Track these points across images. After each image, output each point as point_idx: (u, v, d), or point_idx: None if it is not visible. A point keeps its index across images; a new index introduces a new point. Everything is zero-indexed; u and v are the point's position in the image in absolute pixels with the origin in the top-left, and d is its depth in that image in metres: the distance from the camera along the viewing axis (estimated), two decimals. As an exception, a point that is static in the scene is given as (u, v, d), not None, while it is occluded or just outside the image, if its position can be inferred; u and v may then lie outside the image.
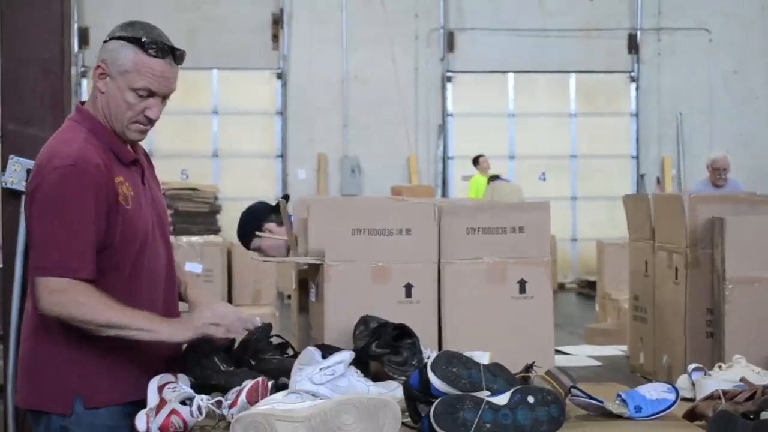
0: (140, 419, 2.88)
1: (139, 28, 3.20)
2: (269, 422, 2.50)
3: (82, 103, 3.31)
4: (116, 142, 3.20)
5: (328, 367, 2.91)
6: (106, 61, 3.16)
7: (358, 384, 2.94)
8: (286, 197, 4.47)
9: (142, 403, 3.09)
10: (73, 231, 3.04)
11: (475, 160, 16.59)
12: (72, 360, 3.14)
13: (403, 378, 2.92)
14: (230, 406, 2.78)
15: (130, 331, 3.05)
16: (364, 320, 3.22)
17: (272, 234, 5.29)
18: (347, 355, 2.96)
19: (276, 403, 2.63)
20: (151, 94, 3.15)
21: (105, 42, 3.21)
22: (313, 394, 2.75)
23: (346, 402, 2.54)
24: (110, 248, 3.12)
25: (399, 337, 3.16)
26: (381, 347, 3.14)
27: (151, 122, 3.20)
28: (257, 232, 5.11)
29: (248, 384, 2.81)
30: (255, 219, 5.38)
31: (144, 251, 3.20)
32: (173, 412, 2.87)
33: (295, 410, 2.54)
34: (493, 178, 15.87)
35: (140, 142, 3.35)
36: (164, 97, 3.20)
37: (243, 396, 2.78)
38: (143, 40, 3.15)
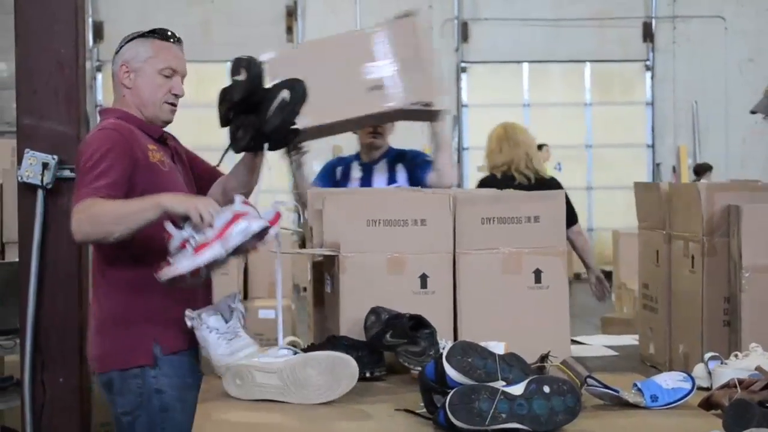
0: None
1: (142, 30, 3.67)
2: (250, 371, 2.99)
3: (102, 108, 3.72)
4: (142, 122, 3.60)
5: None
6: (128, 60, 3.62)
7: None
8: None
9: None
10: (100, 168, 3.36)
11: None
12: (147, 318, 3.46)
13: (419, 368, 2.93)
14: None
15: (137, 215, 3.24)
16: (375, 311, 3.23)
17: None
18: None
19: (260, 356, 3.09)
20: (173, 72, 3.61)
21: (117, 52, 3.65)
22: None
23: (311, 358, 2.96)
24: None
25: (415, 327, 3.16)
26: (396, 337, 3.14)
27: (177, 99, 3.64)
28: None
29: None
30: None
31: None
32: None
33: (270, 363, 2.98)
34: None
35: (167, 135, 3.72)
36: (182, 77, 3.65)
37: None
38: (152, 30, 3.64)
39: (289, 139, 3.59)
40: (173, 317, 3.41)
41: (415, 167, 5.15)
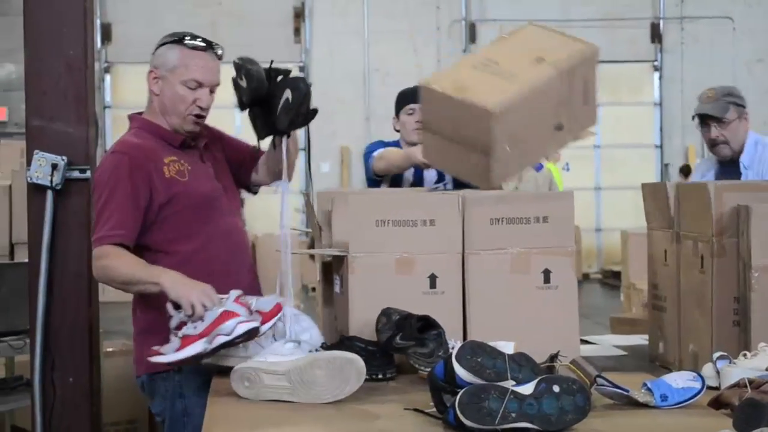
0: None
1: (179, 32, 3.67)
2: (258, 374, 2.98)
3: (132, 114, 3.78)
4: (163, 131, 3.65)
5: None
6: (157, 66, 3.63)
7: None
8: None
9: None
10: (111, 207, 3.49)
11: None
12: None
13: (428, 370, 2.93)
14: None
15: (141, 285, 3.41)
16: (386, 313, 3.23)
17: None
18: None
19: (267, 354, 3.08)
20: (199, 84, 3.60)
21: (153, 54, 3.66)
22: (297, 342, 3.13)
23: (318, 358, 2.97)
24: (174, 216, 3.56)
25: (424, 328, 3.16)
26: (405, 339, 3.15)
27: (203, 111, 3.64)
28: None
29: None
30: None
31: (214, 215, 3.63)
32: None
33: (277, 364, 2.98)
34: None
35: (201, 133, 3.75)
36: (211, 89, 3.64)
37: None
38: (184, 37, 3.61)
39: (305, 124, 3.57)
40: None
41: None
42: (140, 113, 3.74)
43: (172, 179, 3.58)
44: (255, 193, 4.00)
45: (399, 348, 3.16)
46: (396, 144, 5.29)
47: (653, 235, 3.82)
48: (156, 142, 3.63)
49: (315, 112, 3.54)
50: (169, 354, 3.19)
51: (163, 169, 3.57)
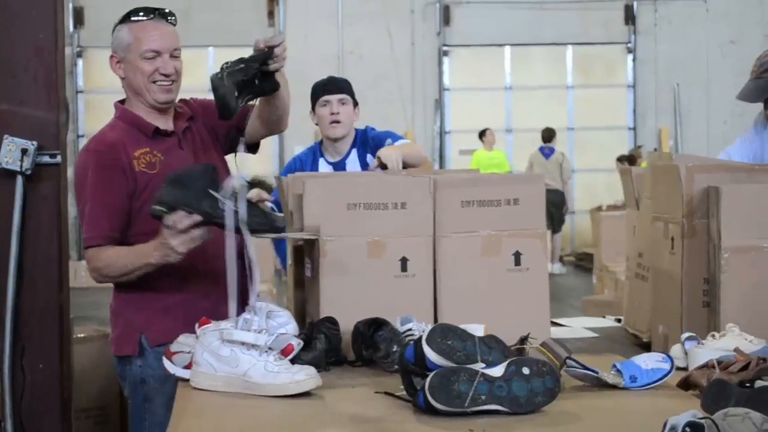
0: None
1: (127, 12, 3.66)
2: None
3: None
4: (138, 120, 3.62)
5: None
6: (115, 50, 3.65)
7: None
8: None
9: None
10: (91, 206, 3.51)
11: (482, 134, 16.53)
12: (137, 307, 3.58)
13: (396, 367, 2.92)
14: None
15: (138, 270, 3.41)
16: (356, 328, 3.25)
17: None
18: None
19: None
20: (157, 53, 3.57)
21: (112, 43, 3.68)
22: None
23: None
24: (145, 208, 3.45)
25: (378, 329, 3.18)
26: (368, 350, 3.20)
27: (168, 78, 3.59)
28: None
29: None
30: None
31: None
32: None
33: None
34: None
35: (183, 114, 3.73)
36: (172, 55, 3.60)
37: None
38: (130, 14, 3.62)
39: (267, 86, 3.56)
40: (162, 308, 3.52)
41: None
42: (123, 101, 3.72)
43: (141, 172, 3.54)
44: (255, 152, 3.86)
45: (368, 360, 3.20)
46: (320, 153, 5.12)
47: (630, 215, 3.84)
48: (130, 133, 3.60)
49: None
50: (177, 366, 3.11)
51: (132, 163, 3.55)
